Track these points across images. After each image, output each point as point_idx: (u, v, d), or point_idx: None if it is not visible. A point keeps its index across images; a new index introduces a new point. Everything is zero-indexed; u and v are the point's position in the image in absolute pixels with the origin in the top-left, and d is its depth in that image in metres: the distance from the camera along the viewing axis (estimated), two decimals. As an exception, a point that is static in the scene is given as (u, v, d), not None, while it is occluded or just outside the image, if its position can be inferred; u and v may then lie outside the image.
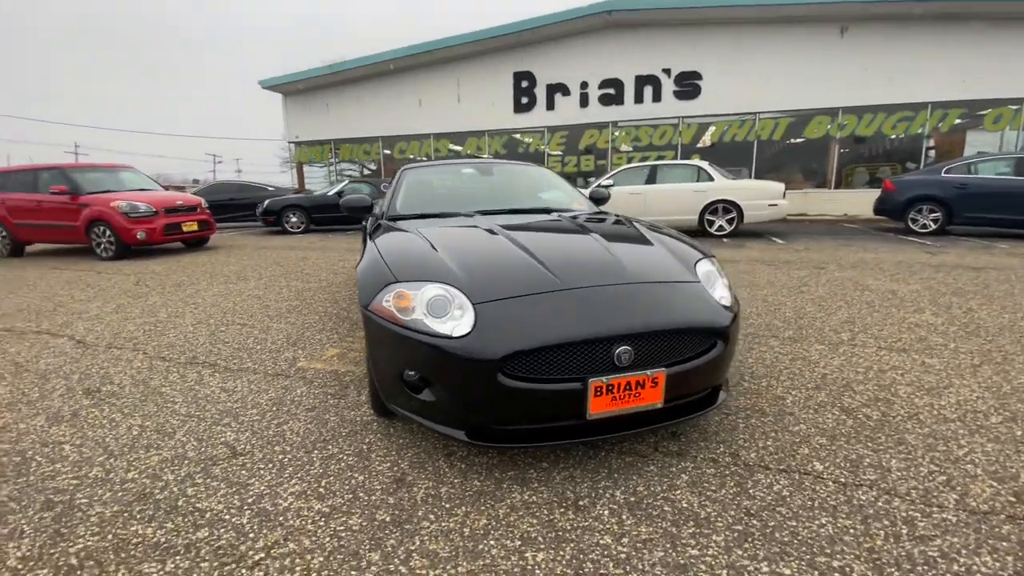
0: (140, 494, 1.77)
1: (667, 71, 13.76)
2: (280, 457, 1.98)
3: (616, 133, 14.91)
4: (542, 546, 1.47)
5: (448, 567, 1.39)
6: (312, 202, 11.30)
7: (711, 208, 8.76)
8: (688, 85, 13.68)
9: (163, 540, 1.53)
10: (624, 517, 1.59)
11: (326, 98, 17.65)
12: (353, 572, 1.38)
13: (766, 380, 2.58)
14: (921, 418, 2.16)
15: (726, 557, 1.40)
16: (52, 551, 1.49)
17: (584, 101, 14.82)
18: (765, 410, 2.25)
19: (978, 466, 1.79)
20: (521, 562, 1.41)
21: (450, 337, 1.69)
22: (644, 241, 2.36)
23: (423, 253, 2.13)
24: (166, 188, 9.91)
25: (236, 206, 12.99)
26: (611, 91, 14.47)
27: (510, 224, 2.52)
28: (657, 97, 14.01)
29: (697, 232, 8.79)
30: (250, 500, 1.72)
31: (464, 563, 1.41)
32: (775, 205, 8.73)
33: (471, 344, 1.65)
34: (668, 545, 1.46)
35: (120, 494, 1.77)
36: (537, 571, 1.37)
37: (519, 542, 1.49)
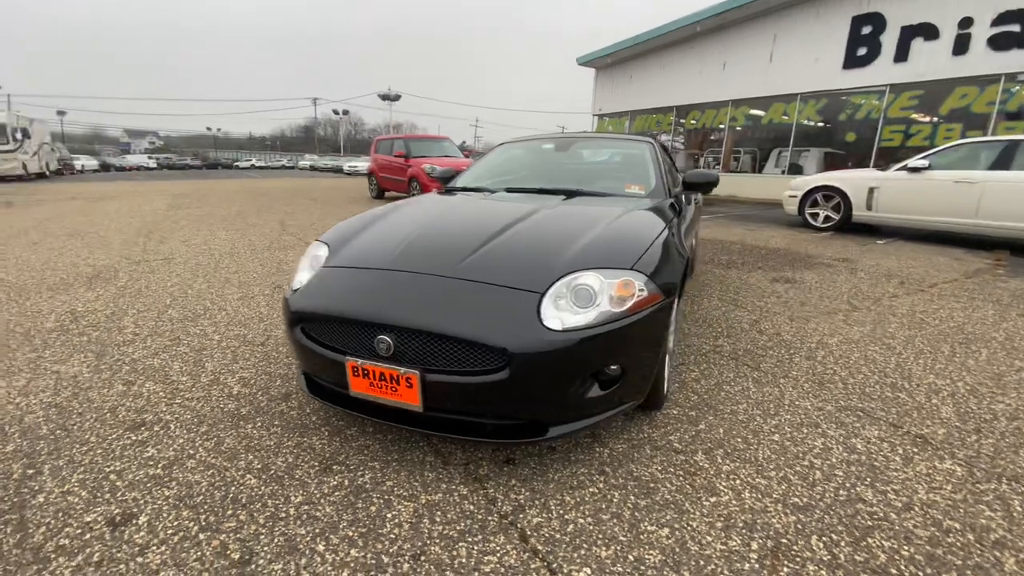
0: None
1: None
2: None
3: (1015, 88, 9.89)
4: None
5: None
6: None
7: None
8: None
9: None
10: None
11: (630, 70, 17.97)
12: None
13: None
14: None
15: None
16: (146, 362, 2.66)
17: (961, 46, 10.33)
18: None
19: None
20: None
21: (292, 290, 1.99)
22: (571, 237, 1.94)
23: (368, 220, 2.40)
24: (467, 156, 12.54)
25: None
26: (1015, 28, 9.56)
27: (494, 202, 2.55)
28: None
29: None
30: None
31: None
32: None
33: (290, 298, 1.92)
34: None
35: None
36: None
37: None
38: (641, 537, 1.36)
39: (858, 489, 1.57)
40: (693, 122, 16.60)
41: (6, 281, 3.92)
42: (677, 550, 1.31)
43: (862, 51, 11.91)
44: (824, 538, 1.36)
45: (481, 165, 3.49)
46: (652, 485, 1.58)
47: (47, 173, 24.64)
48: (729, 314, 3.26)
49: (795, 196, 7.99)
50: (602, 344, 1.53)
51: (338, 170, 35.94)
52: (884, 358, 2.59)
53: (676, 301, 1.97)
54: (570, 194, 2.67)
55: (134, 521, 1.42)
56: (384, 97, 39.13)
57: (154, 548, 1.32)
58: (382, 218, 2.35)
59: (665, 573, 1.24)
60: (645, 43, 16.60)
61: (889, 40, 11.42)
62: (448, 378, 1.55)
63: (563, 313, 1.56)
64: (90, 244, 5.57)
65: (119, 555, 1.30)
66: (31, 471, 1.64)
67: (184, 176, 28.66)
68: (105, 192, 14.04)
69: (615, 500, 1.51)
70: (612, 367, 1.60)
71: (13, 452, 1.75)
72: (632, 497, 1.52)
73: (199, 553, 1.31)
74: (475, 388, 1.53)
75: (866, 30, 11.79)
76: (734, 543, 1.34)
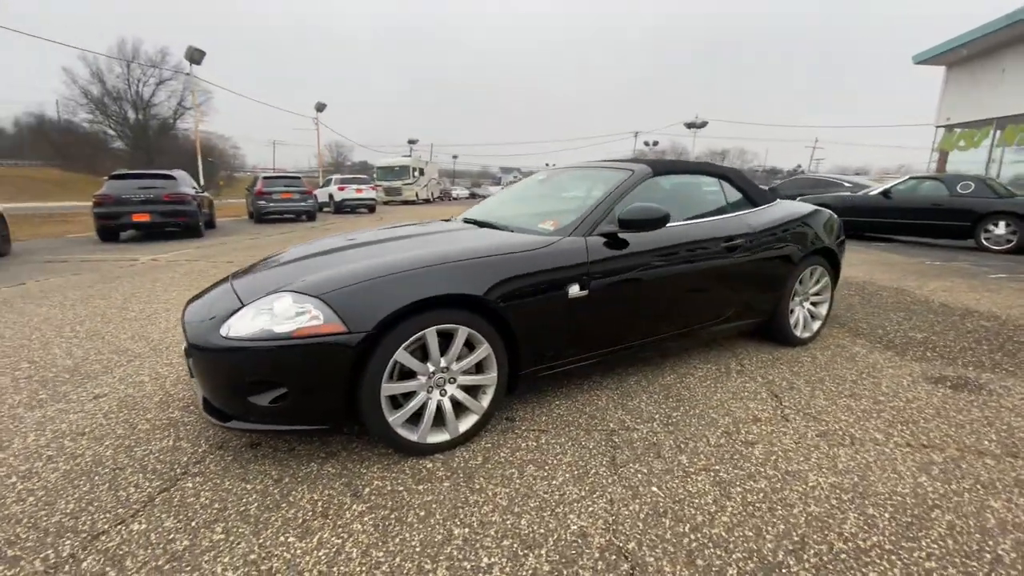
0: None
1: None
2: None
3: None
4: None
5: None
6: (843, 203, 9.67)
7: None
8: None
9: None
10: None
11: (1003, 61, 12.74)
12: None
13: None
14: None
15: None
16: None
17: None
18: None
19: None
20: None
21: None
22: (350, 262, 2.10)
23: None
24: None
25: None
26: None
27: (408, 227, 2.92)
28: None
29: None
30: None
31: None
32: None
33: None
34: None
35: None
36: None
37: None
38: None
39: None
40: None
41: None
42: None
43: None
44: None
45: (495, 196, 3.70)
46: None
47: (431, 199, 35.06)
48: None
49: None
50: (252, 358, 1.71)
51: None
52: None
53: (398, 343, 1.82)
54: (482, 225, 2.76)
55: None
56: (690, 125, 38.73)
57: None
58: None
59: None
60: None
61: None
62: None
63: (245, 323, 1.78)
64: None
65: None
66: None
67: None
68: (447, 210, 19.32)
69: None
70: (273, 381, 1.74)
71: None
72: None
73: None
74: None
75: None
76: None
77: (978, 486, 1.80)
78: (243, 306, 1.88)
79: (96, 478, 1.85)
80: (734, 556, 1.46)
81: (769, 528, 1.58)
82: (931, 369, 2.92)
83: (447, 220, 3.01)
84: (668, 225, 2.62)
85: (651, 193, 2.77)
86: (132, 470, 1.91)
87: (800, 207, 3.40)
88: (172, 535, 1.55)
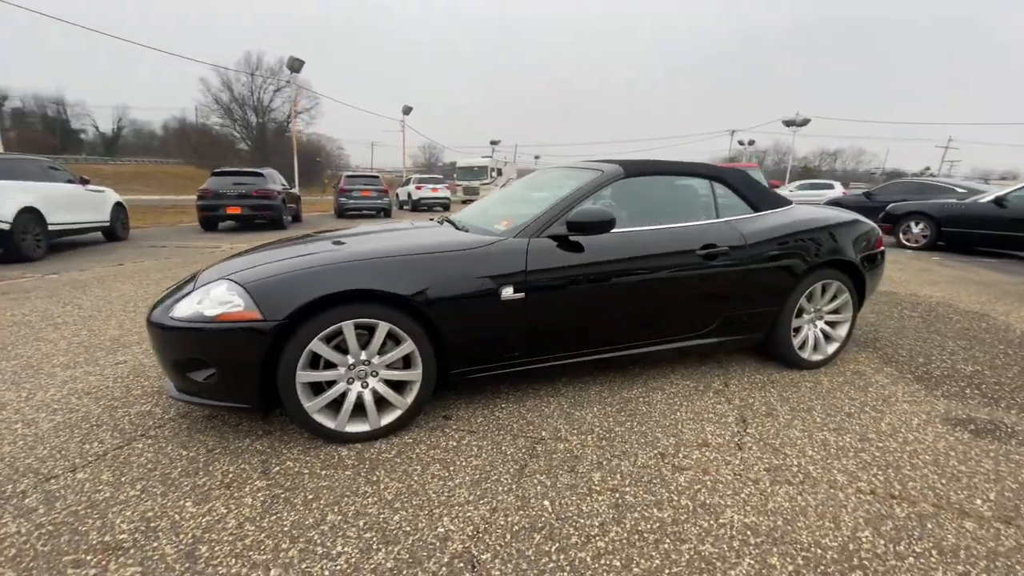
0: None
1: None
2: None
3: None
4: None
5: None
6: (945, 212, 8.36)
7: None
8: None
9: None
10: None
11: None
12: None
13: None
14: None
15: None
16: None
17: None
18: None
19: None
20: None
21: None
22: (310, 253, 2.18)
23: None
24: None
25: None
26: None
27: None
28: None
29: None
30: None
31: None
32: None
33: None
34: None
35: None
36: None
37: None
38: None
39: None
40: None
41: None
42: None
43: None
44: None
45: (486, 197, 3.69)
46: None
47: (507, 198, 35.54)
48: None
49: None
50: (181, 338, 1.92)
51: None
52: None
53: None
54: (453, 225, 2.77)
55: None
56: (788, 123, 35.44)
57: None
58: None
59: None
60: None
61: None
62: None
63: (187, 306, 1.96)
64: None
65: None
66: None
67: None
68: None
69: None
70: (203, 360, 1.91)
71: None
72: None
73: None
74: None
75: None
76: None
77: (933, 552, 1.51)
78: (194, 290, 2.09)
79: (76, 432, 2.16)
80: (582, 584, 1.37)
81: (641, 562, 1.46)
82: (960, 409, 2.47)
83: (430, 220, 3.08)
84: (631, 229, 2.50)
85: (622, 195, 2.63)
86: (106, 427, 2.20)
87: (822, 214, 3.02)
88: (101, 487, 1.78)
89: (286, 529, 1.57)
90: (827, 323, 2.98)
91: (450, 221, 2.93)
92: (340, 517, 1.64)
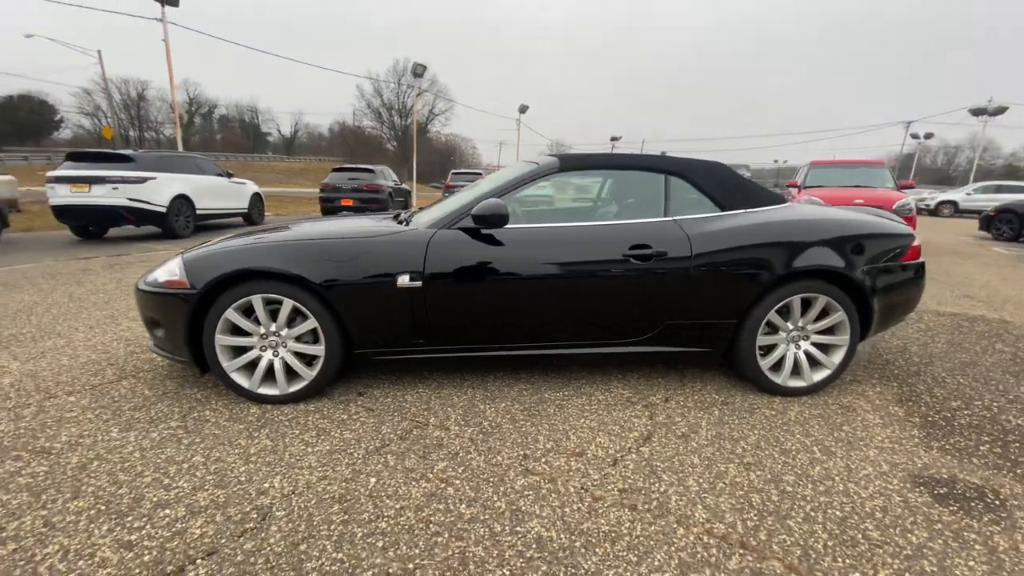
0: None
1: None
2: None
3: None
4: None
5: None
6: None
7: None
8: None
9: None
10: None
11: None
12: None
13: None
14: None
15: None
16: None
17: None
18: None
19: None
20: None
21: None
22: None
23: None
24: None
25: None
26: None
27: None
28: None
29: None
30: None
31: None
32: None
33: None
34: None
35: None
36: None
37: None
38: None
39: None
40: None
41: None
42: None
43: None
44: None
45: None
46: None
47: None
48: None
49: None
50: (144, 300, 2.36)
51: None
52: None
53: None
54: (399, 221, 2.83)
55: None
56: (977, 112, 28.58)
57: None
58: None
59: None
60: None
61: None
62: None
63: (156, 274, 2.37)
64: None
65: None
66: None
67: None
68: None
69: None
70: (157, 320, 2.33)
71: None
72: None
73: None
74: None
75: None
76: None
77: (730, 611, 1.28)
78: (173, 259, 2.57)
79: (94, 368, 2.78)
80: (330, 556, 1.44)
81: (401, 548, 1.48)
82: (947, 467, 1.94)
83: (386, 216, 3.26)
84: (548, 225, 2.42)
85: (561, 190, 2.54)
86: (114, 367, 2.79)
87: (817, 216, 2.54)
88: (74, 409, 2.30)
89: (159, 462, 1.89)
90: (816, 345, 2.52)
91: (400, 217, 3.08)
92: (203, 459, 1.91)
